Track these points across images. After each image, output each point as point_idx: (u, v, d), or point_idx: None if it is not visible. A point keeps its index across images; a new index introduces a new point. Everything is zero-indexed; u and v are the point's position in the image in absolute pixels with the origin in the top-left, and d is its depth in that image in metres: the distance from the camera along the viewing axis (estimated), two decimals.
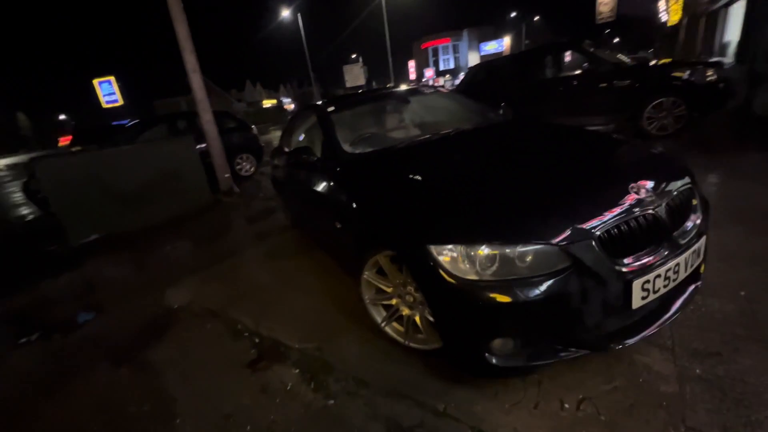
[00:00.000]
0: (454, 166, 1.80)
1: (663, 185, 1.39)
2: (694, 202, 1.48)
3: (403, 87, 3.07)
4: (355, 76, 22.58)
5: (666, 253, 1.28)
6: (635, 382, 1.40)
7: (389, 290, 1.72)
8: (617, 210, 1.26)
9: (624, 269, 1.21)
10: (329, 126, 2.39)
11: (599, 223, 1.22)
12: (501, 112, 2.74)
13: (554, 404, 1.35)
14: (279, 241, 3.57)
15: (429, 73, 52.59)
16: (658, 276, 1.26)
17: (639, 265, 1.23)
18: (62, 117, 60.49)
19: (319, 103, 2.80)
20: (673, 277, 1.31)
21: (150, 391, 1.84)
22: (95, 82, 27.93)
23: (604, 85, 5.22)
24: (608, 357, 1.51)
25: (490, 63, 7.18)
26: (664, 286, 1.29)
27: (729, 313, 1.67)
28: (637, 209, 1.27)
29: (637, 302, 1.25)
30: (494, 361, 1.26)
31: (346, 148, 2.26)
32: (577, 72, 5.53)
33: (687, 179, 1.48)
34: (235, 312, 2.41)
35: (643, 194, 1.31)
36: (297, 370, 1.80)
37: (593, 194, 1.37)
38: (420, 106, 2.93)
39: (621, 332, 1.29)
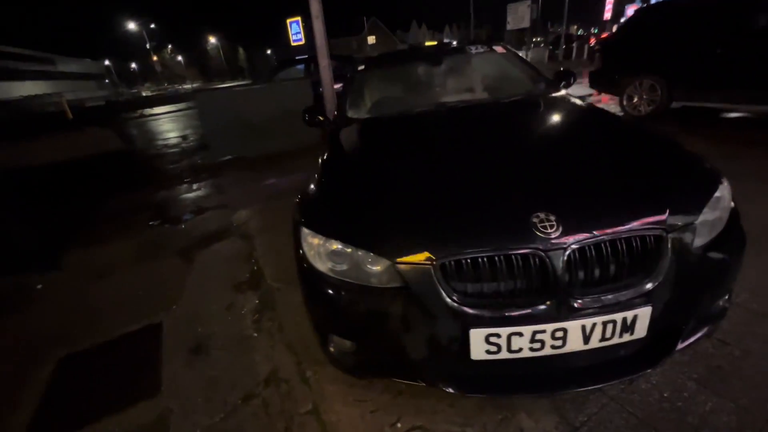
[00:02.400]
0: (405, 149, 1.65)
1: (593, 223, 1.00)
2: (666, 258, 1.00)
3: (454, 44, 2.68)
4: (519, 17, 19.75)
5: (543, 308, 0.97)
6: None
7: None
8: (490, 240, 1.00)
9: (465, 311, 0.99)
10: (348, 85, 2.39)
11: (457, 249, 1.00)
12: (561, 84, 2.19)
13: (389, 418, 1.29)
14: None
15: (631, 10, 41.23)
16: (518, 334, 0.98)
17: (479, 313, 0.98)
18: (268, 52, 73.97)
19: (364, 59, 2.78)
20: (552, 342, 0.99)
21: (174, 276, 2.51)
22: (288, 21, 32.80)
23: None
24: (487, 403, 1.29)
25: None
26: (532, 349, 1.00)
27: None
28: (522, 246, 0.97)
29: (477, 353, 1.02)
30: (335, 354, 1.27)
31: (353, 112, 2.25)
32: None
33: (659, 224, 1.01)
34: (260, 240, 2.90)
35: (546, 229, 0.98)
36: (257, 301, 2.15)
37: (480, 211, 1.10)
38: (459, 68, 2.54)
39: (468, 379, 1.09)
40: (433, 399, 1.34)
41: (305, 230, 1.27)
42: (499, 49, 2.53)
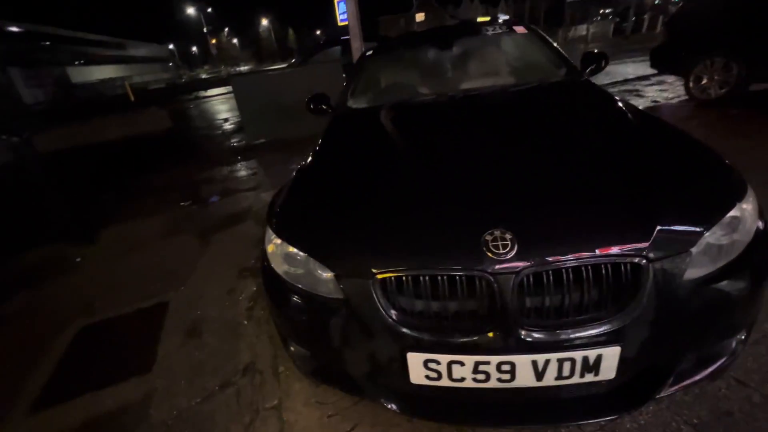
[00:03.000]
0: (381, 149, 1.54)
1: (555, 245, 0.85)
2: (644, 292, 0.83)
3: (503, 19, 2.42)
4: None
5: (488, 338, 0.86)
6: None
7: None
8: (433, 257, 0.90)
9: (402, 331, 0.91)
10: (351, 72, 2.30)
11: (397, 265, 0.92)
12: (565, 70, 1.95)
13: (345, 425, 1.26)
14: None
15: None
16: (459, 363, 0.88)
17: (418, 335, 0.89)
18: (318, 32, 74.47)
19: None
20: (498, 376, 0.88)
21: (190, 256, 2.64)
22: (336, 0, 32.66)
23: None
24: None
25: None
26: (476, 380, 0.90)
27: None
28: (468, 267, 0.86)
29: (417, 378, 0.94)
30: (294, 355, 1.25)
31: (353, 101, 2.16)
32: None
33: (640, 250, 0.84)
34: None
35: (497, 249, 0.86)
36: (254, 289, 2.20)
37: (431, 224, 0.99)
38: (470, 52, 2.31)
39: (413, 400, 1.02)
40: (392, 412, 1.28)
41: (269, 230, 1.24)
42: (519, 29, 2.27)
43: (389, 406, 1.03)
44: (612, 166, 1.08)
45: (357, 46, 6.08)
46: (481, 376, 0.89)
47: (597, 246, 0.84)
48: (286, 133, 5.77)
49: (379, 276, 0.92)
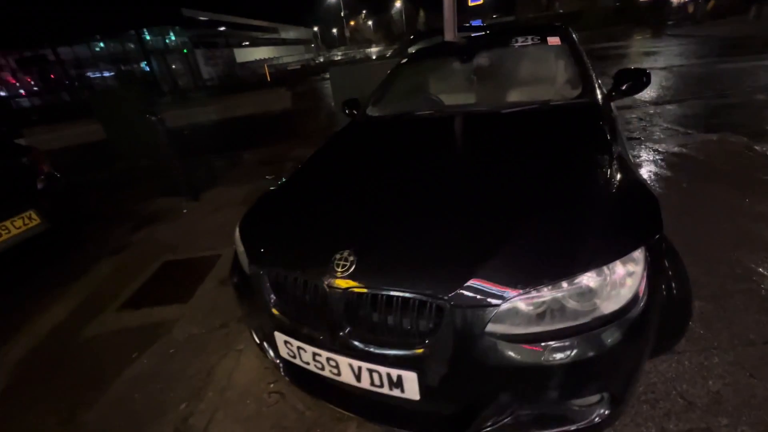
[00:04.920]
0: (355, 162, 1.70)
1: (378, 275, 0.99)
2: (441, 332, 0.91)
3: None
4: None
5: (320, 336, 1.05)
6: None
7: None
8: (299, 264, 1.13)
9: (273, 313, 1.16)
10: (385, 78, 2.47)
11: (277, 264, 1.18)
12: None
13: (272, 377, 1.58)
14: None
15: None
16: (303, 349, 1.10)
17: (282, 319, 1.14)
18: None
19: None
20: (329, 368, 1.07)
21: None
22: None
23: None
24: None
25: None
26: (316, 367, 1.10)
27: None
28: (315, 277, 1.06)
29: (283, 353, 1.19)
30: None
31: (372, 109, 2.35)
32: None
33: (442, 294, 0.91)
34: None
35: (337, 267, 1.03)
36: None
37: (320, 236, 1.20)
38: (491, 66, 2.19)
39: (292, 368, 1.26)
40: None
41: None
42: (552, 40, 2.07)
43: (280, 367, 1.30)
44: (489, 215, 1.09)
45: (450, 38, 6.01)
46: (318, 365, 1.10)
47: (411, 283, 0.94)
48: None
49: (267, 270, 1.20)
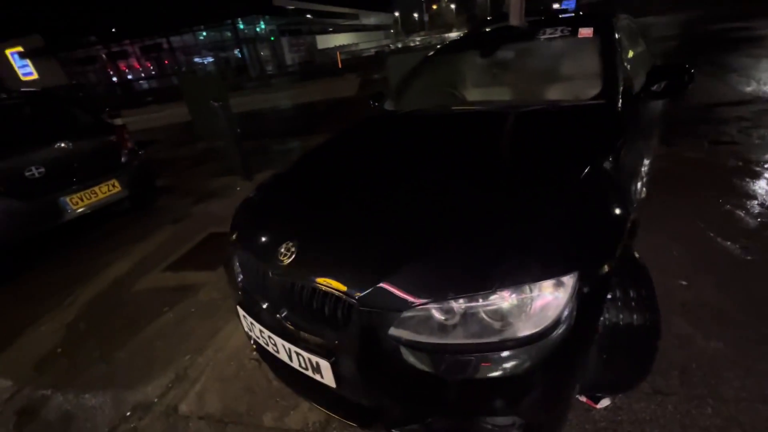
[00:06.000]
0: (349, 160, 1.72)
1: (309, 268, 1.05)
2: (348, 328, 0.96)
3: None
4: None
5: (263, 316, 1.17)
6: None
7: None
8: (256, 249, 1.25)
9: (236, 289, 1.32)
10: (408, 72, 2.47)
11: (242, 247, 1.33)
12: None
13: None
14: None
15: None
16: (253, 324, 1.23)
17: (241, 295, 1.29)
18: None
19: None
20: (271, 345, 1.19)
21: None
22: None
23: None
24: None
25: None
26: (265, 343, 1.22)
27: None
28: (264, 263, 1.18)
29: (245, 327, 1.33)
30: None
31: (390, 103, 2.37)
32: None
33: (352, 293, 0.96)
34: None
35: (280, 257, 1.12)
36: None
37: (276, 227, 1.30)
38: (515, 60, 2.01)
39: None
40: None
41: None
42: (584, 32, 1.85)
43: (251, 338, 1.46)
44: (429, 221, 1.08)
45: (515, 24, 5.60)
46: (263, 341, 1.22)
47: (333, 279, 1.00)
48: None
49: (238, 250, 1.35)
